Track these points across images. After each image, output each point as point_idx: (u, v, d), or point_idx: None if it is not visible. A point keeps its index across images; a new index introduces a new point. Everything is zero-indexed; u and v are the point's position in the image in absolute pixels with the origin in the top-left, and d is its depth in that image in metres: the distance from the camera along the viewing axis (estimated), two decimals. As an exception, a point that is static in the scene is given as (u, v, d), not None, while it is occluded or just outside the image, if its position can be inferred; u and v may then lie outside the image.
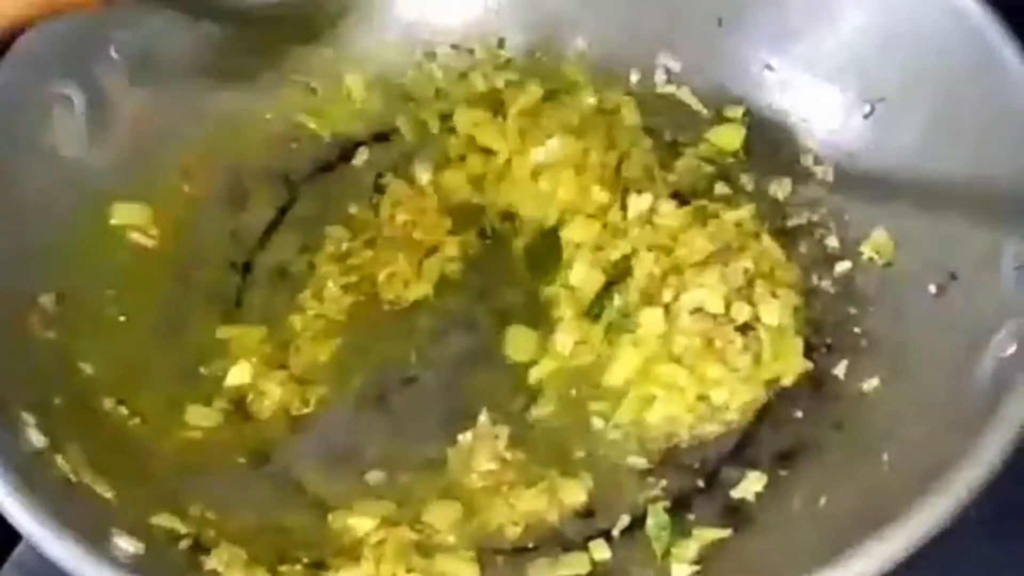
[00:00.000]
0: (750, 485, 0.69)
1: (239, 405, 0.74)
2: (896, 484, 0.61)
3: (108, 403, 0.70)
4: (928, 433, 0.64)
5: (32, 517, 0.57)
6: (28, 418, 0.63)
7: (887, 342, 0.72)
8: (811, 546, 0.61)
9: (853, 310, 0.75)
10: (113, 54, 0.79)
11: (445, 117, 0.87)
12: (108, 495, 0.63)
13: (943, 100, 0.76)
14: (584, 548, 0.67)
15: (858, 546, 0.55)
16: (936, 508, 0.56)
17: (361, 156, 0.86)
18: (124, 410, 0.70)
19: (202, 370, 0.75)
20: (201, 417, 0.73)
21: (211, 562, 0.63)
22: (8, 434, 0.62)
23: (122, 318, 0.75)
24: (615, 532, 0.68)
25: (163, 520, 0.64)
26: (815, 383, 0.73)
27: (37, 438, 0.63)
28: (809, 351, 0.74)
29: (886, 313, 0.73)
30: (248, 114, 0.85)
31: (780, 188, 0.82)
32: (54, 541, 0.57)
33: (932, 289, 0.71)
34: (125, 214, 0.78)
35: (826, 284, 0.77)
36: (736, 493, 0.69)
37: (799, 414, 0.72)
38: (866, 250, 0.77)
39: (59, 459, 0.63)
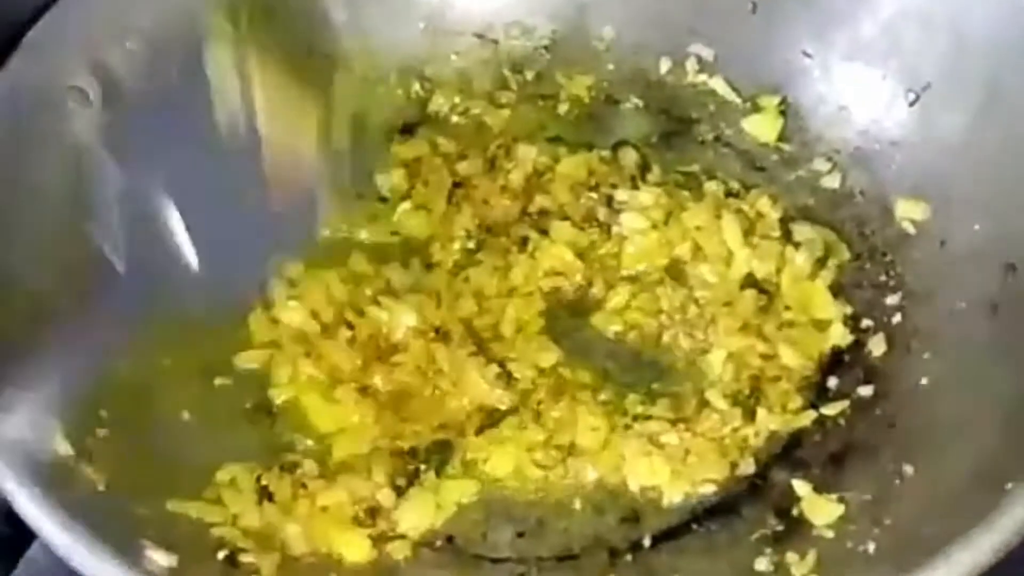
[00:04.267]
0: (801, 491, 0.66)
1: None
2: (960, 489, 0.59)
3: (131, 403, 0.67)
4: (989, 432, 0.62)
5: (63, 530, 0.54)
6: (55, 424, 0.60)
7: (942, 337, 0.70)
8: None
9: (903, 305, 0.73)
10: (128, 45, 0.76)
11: (466, 111, 0.85)
12: (139, 507, 0.60)
13: (990, 86, 0.73)
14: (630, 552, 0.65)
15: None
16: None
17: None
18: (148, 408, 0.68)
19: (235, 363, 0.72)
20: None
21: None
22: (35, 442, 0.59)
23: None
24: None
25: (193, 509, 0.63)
26: (865, 380, 0.70)
27: (64, 447, 0.60)
28: (859, 346, 0.72)
29: (940, 308, 0.71)
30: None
31: (820, 179, 0.79)
32: (87, 556, 0.54)
33: (988, 282, 0.68)
34: None
35: (872, 277, 0.75)
36: (787, 501, 0.66)
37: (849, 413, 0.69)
38: (914, 243, 0.74)
39: (87, 468, 0.60)
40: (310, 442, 0.69)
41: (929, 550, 0.54)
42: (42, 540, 0.56)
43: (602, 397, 0.70)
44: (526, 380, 0.71)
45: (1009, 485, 0.54)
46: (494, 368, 0.70)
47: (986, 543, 0.52)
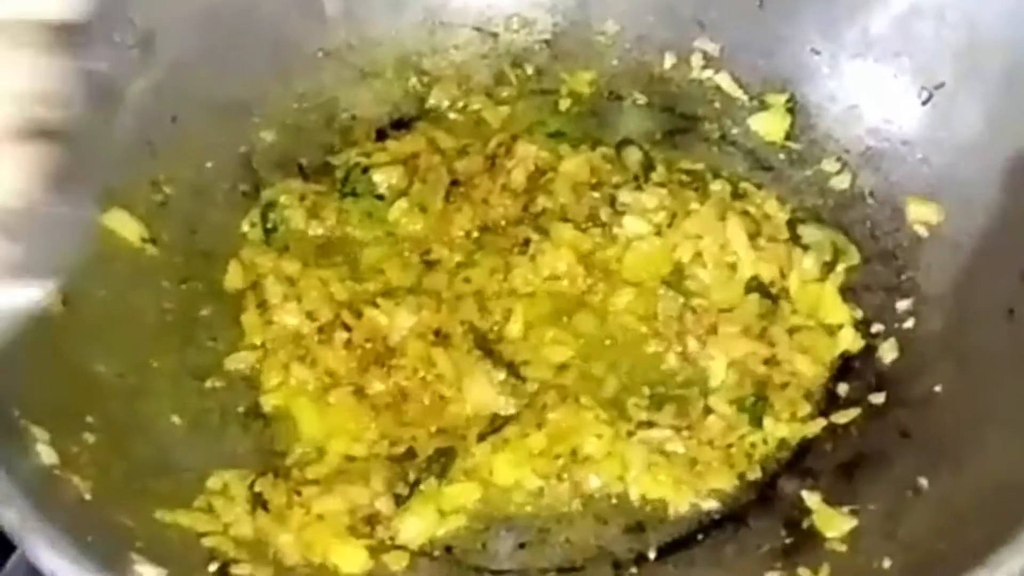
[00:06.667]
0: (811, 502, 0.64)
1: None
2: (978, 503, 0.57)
3: (119, 406, 0.65)
4: (1008, 445, 0.60)
5: (45, 543, 0.52)
6: (39, 433, 0.58)
7: (956, 344, 0.68)
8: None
9: (915, 310, 0.71)
10: (116, 37, 0.73)
11: (465, 107, 0.82)
12: (126, 518, 0.58)
13: (1007, 84, 0.72)
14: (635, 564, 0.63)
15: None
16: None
17: (380, 145, 0.80)
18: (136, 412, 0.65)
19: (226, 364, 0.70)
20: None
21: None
22: (17, 452, 0.56)
23: (127, 318, 0.70)
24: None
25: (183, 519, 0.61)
26: (876, 387, 0.68)
27: (48, 454, 0.57)
28: (869, 351, 0.70)
29: (953, 313, 0.69)
30: (260, 99, 0.80)
31: (829, 180, 0.78)
32: (70, 570, 0.51)
33: (1004, 287, 0.66)
34: (117, 223, 0.72)
35: (883, 281, 0.73)
36: (797, 513, 0.64)
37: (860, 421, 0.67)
38: (926, 247, 0.72)
39: (72, 476, 0.57)
40: (306, 447, 0.67)
41: (947, 568, 0.52)
42: (22, 553, 0.54)
43: (605, 398, 0.68)
44: (536, 381, 0.68)
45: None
46: (502, 373, 0.68)
47: (1015, 565, 0.50)
